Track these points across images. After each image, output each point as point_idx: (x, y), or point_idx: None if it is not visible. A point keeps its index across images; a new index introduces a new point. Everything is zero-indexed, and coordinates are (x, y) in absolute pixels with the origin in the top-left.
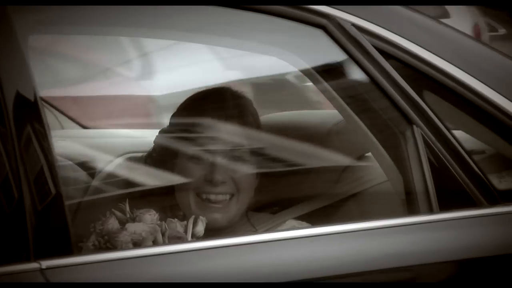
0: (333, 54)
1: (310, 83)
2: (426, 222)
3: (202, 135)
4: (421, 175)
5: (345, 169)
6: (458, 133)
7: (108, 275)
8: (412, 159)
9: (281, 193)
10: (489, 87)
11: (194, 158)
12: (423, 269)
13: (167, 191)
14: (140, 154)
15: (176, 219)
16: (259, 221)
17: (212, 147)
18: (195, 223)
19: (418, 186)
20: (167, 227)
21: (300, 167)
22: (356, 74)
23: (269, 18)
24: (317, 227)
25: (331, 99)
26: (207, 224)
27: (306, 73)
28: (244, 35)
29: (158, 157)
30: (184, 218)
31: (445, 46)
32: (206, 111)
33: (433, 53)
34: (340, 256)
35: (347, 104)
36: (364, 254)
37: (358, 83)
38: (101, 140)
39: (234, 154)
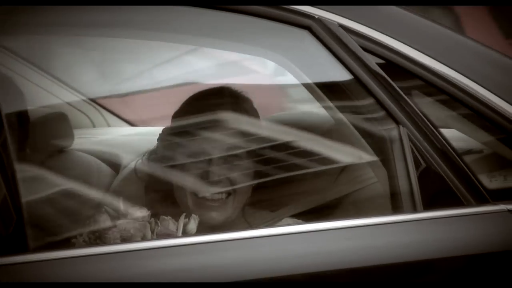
0: (319, 54)
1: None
2: (413, 221)
3: (200, 134)
4: (406, 174)
5: (343, 169)
6: (452, 132)
7: (60, 273)
8: (398, 158)
9: (279, 192)
10: (480, 85)
11: (192, 157)
12: (408, 266)
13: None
14: None
15: (169, 217)
16: (256, 219)
17: (209, 146)
18: (187, 221)
19: (402, 185)
20: (159, 224)
21: (298, 167)
22: (342, 74)
23: (256, 20)
24: (305, 223)
25: (319, 99)
26: (204, 222)
27: (293, 73)
28: (232, 37)
29: (160, 155)
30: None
31: (436, 45)
32: (206, 110)
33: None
34: (327, 252)
35: (335, 104)
36: (348, 251)
37: (344, 84)
38: None
39: (232, 153)
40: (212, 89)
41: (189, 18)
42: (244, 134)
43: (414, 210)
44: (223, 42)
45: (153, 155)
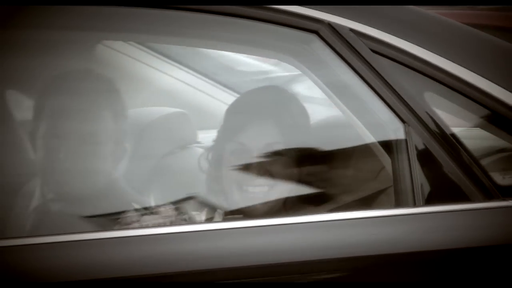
0: (328, 57)
1: None
2: (421, 214)
3: (246, 131)
4: (409, 171)
5: (383, 166)
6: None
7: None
8: (404, 156)
9: (322, 186)
10: (499, 85)
11: (236, 153)
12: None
13: None
14: None
15: (197, 212)
16: (295, 211)
17: (253, 142)
18: (212, 216)
19: (405, 181)
20: (187, 220)
21: (340, 164)
22: (351, 76)
23: (267, 25)
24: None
25: (332, 100)
26: (248, 213)
27: (308, 76)
28: (249, 42)
29: (216, 151)
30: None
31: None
32: (252, 108)
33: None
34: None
35: (345, 104)
36: (370, 240)
37: (353, 85)
38: None
39: (274, 149)
40: (262, 88)
41: (210, 25)
42: (290, 130)
43: (414, 205)
44: (240, 47)
45: (210, 149)
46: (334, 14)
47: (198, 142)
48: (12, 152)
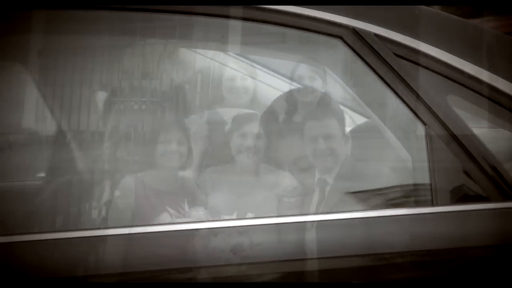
0: (352, 61)
1: None
2: (439, 213)
3: (280, 141)
4: (428, 171)
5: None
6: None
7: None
8: (423, 156)
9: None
10: None
11: (269, 164)
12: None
13: None
14: None
15: (228, 216)
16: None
17: (287, 153)
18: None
19: (424, 181)
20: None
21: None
22: (374, 79)
23: (295, 31)
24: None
25: (357, 102)
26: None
27: (333, 79)
28: (276, 46)
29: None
30: None
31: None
32: (293, 108)
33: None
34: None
35: (370, 107)
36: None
37: (377, 88)
38: None
39: (307, 160)
40: (298, 89)
41: (240, 31)
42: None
43: (432, 203)
44: (269, 51)
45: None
46: (358, 20)
47: None
48: (99, 152)
